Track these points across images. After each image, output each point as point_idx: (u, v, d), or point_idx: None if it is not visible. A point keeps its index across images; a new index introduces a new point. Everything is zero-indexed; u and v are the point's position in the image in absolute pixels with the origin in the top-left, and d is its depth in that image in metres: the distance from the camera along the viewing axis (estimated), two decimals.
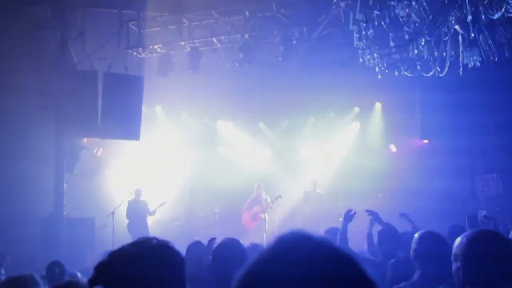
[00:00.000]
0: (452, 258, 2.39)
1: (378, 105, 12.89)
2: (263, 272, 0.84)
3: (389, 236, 4.57)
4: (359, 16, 5.28)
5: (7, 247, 7.89)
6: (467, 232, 2.41)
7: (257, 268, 0.86)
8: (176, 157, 13.09)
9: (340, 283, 0.83)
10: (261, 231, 11.63)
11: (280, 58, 9.36)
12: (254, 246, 4.48)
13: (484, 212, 4.92)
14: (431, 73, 6.30)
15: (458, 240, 2.40)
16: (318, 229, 10.93)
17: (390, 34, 5.34)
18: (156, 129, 12.46)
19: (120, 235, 10.12)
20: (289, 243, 0.87)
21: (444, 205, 11.22)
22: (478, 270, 2.25)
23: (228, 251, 3.16)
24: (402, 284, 3.21)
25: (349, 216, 5.19)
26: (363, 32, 5.41)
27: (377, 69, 6.02)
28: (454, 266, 2.36)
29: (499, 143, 11.18)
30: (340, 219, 11.79)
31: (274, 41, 9.46)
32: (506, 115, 10.60)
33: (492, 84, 9.81)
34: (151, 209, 10.70)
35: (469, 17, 4.77)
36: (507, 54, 6.15)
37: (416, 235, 3.36)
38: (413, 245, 3.30)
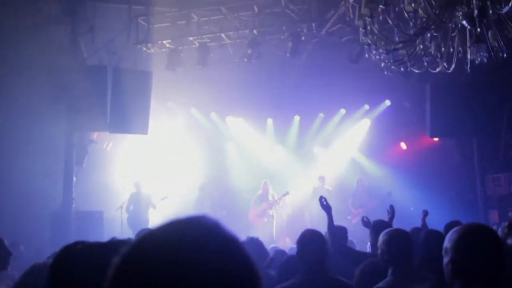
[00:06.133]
0: (443, 252, 2.37)
1: (387, 102, 12.81)
2: (145, 252, 0.83)
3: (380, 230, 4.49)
4: (364, 10, 5.25)
5: (17, 239, 7.99)
6: (459, 227, 2.39)
7: (139, 246, 0.85)
8: (185, 152, 13.15)
9: (222, 270, 0.82)
10: (269, 227, 11.66)
11: (288, 54, 9.33)
12: (251, 239, 4.49)
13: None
14: (438, 69, 6.23)
15: (449, 234, 2.38)
16: (326, 226, 10.98)
17: (395, 29, 5.29)
18: (166, 124, 12.54)
19: (128, 228, 10.24)
20: (179, 226, 0.86)
21: (455, 204, 11.14)
22: (469, 264, 2.22)
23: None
24: (380, 284, 3.21)
25: (326, 206, 4.78)
26: (368, 27, 5.37)
27: (382, 64, 5.97)
28: (445, 260, 2.34)
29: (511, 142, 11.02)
30: (349, 217, 11.85)
31: (282, 37, 9.44)
32: None
33: (503, 81, 9.68)
34: (154, 202, 10.75)
35: (475, 12, 4.70)
36: None
37: (381, 237, 3.37)
38: (381, 245, 3.31)
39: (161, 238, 0.85)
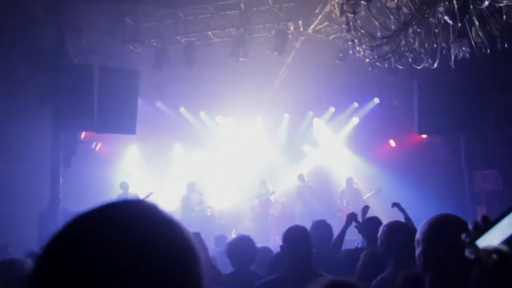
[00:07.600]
0: (415, 243, 2.37)
1: (376, 100, 12.85)
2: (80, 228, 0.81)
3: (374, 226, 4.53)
4: (346, 7, 5.26)
5: (3, 240, 7.92)
6: (430, 218, 2.39)
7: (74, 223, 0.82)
8: (177, 152, 13.14)
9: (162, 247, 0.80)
10: (262, 225, 11.67)
11: (276, 52, 9.32)
12: (242, 237, 4.49)
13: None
14: (422, 65, 6.25)
15: (421, 226, 2.38)
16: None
17: (377, 25, 5.30)
18: (156, 124, 12.50)
19: None
20: (110, 208, 0.84)
21: (443, 200, 11.17)
22: (440, 255, 2.22)
23: None
24: (378, 278, 3.21)
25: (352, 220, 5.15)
26: (351, 24, 5.38)
27: (367, 60, 5.97)
28: (417, 251, 2.34)
29: (500, 138, 11.06)
30: (339, 215, 11.88)
31: (269, 35, 9.44)
32: (507, 109, 10.51)
33: (489, 78, 9.72)
34: None
35: (456, 7, 4.72)
36: (499, 46, 6.07)
37: (381, 228, 3.38)
38: (381, 237, 3.31)
39: (92, 219, 0.82)
